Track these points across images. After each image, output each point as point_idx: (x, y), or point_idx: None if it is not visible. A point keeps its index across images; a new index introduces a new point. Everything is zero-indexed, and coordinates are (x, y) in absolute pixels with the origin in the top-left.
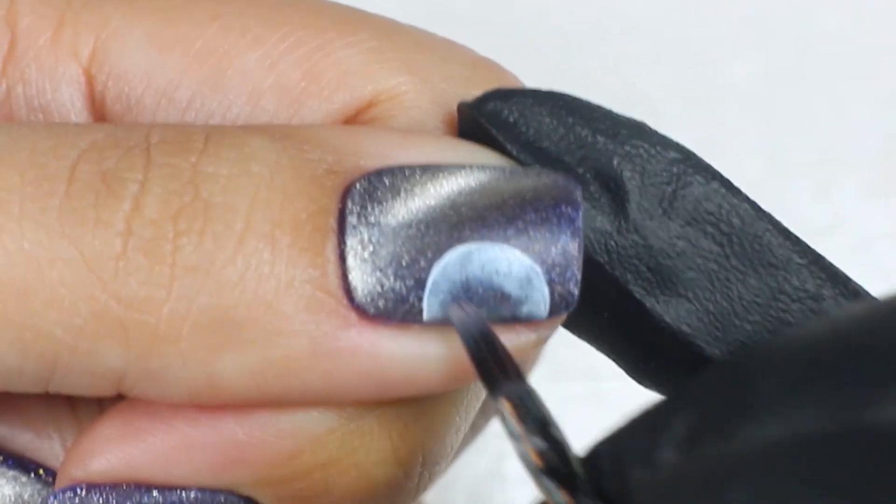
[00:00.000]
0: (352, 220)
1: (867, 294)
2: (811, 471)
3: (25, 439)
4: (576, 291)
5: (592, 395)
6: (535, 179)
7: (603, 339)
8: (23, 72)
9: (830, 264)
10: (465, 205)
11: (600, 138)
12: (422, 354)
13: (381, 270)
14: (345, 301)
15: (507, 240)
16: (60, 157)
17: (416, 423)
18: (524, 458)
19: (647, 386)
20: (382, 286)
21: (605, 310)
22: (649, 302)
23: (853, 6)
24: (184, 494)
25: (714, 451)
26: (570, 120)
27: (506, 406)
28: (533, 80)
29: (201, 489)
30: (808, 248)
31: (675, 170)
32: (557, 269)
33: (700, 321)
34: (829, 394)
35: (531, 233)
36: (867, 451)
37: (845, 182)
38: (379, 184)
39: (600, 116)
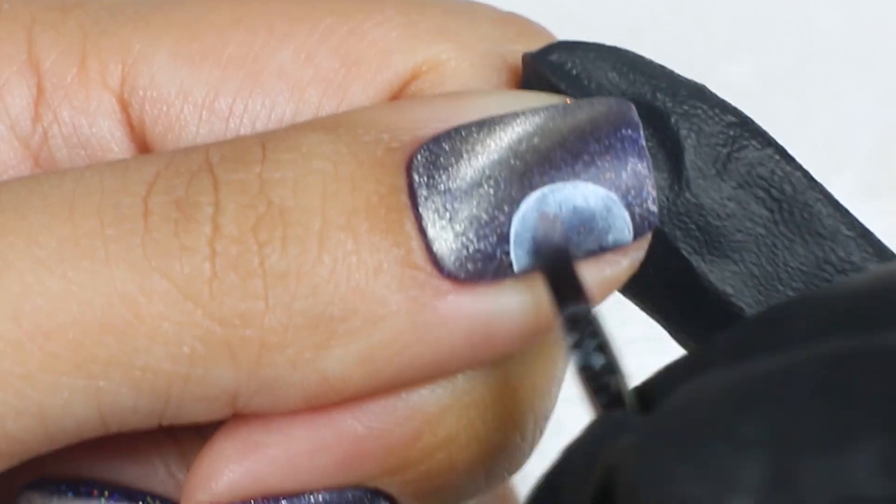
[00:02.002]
0: (422, 191)
1: None
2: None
3: (131, 472)
4: (655, 209)
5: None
6: (589, 109)
7: (646, 296)
8: (56, 112)
9: (878, 240)
10: (528, 151)
11: (660, 96)
12: (521, 305)
13: (462, 234)
14: (434, 272)
15: (576, 175)
16: (131, 193)
17: (525, 385)
18: (581, 374)
19: (686, 348)
20: (468, 249)
21: (651, 265)
22: (695, 260)
23: (848, 7)
24: (312, 498)
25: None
26: (632, 76)
27: (571, 322)
28: None
29: (329, 490)
30: (857, 221)
31: (731, 133)
32: (632, 192)
33: (744, 284)
34: (855, 326)
35: (598, 163)
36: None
37: (839, 181)
38: (439, 150)
39: (661, 75)
